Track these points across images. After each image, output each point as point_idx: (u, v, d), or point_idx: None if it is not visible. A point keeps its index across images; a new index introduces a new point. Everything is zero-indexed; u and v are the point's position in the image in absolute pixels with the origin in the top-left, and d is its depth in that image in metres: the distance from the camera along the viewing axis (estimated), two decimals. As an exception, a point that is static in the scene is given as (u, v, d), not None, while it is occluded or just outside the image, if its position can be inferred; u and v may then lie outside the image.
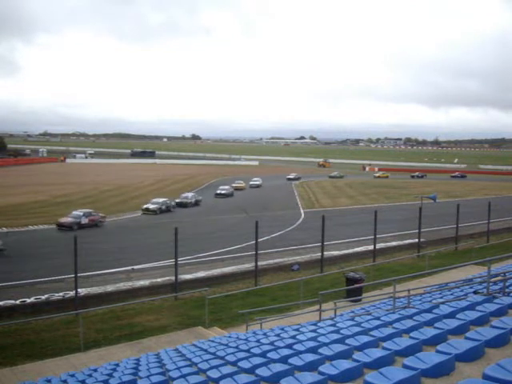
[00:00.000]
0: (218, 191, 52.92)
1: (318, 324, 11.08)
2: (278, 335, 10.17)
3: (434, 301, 11.08)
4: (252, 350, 8.53)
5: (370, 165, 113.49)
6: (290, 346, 8.13)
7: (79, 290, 17.45)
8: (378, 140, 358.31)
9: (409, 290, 11.84)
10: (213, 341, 11.77)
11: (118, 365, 10.54)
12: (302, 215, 40.04)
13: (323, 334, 8.67)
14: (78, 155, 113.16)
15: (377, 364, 5.86)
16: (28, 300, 17.46)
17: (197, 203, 45.33)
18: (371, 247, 25.13)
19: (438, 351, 5.89)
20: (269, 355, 7.63)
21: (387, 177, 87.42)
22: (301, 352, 7.34)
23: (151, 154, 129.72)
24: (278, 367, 6.51)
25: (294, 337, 9.29)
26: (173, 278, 19.39)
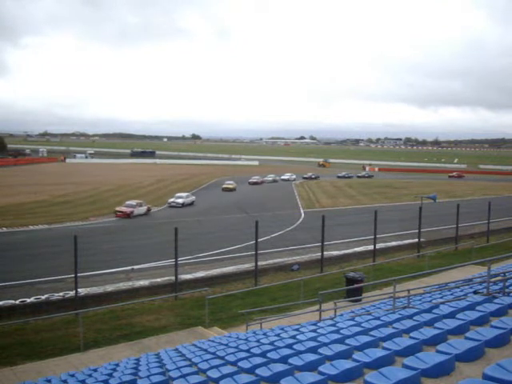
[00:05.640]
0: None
1: (318, 324, 11.07)
2: (278, 335, 10.16)
3: (433, 301, 11.08)
4: (252, 350, 8.52)
5: (370, 165, 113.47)
6: (290, 346, 8.13)
7: (79, 289, 17.45)
8: (378, 140, 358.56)
9: (409, 290, 11.83)
10: (213, 341, 11.77)
11: (118, 365, 10.54)
12: (302, 215, 40.03)
13: (323, 334, 8.66)
14: (78, 155, 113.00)
15: (377, 364, 5.86)
16: (28, 300, 17.44)
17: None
18: (371, 247, 25.12)
19: (438, 351, 5.89)
20: (269, 355, 7.63)
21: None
22: (301, 352, 7.34)
23: (151, 154, 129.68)
24: (278, 367, 6.50)
25: (294, 337, 9.29)
26: (173, 277, 19.39)
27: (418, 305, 10.59)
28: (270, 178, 71.56)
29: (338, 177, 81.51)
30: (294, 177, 75.69)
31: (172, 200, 44.18)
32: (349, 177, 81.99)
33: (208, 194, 54.47)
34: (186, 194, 46.15)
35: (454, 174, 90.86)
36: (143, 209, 38.12)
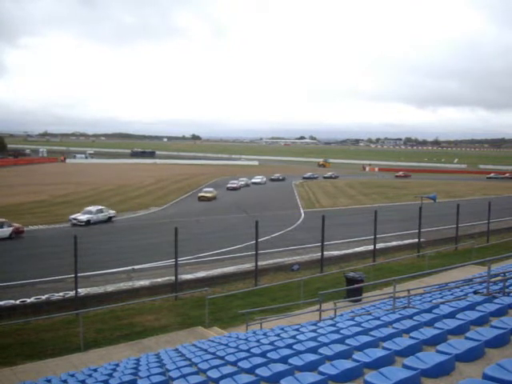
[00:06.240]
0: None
1: (318, 324, 11.08)
2: (278, 335, 10.17)
3: (434, 301, 11.08)
4: (252, 350, 8.53)
5: (370, 165, 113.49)
6: (290, 346, 8.13)
7: (79, 289, 17.46)
8: (377, 140, 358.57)
9: (409, 290, 11.83)
10: (213, 341, 11.77)
11: (117, 365, 10.55)
12: (302, 215, 40.04)
13: (323, 334, 8.67)
14: (77, 155, 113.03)
15: (377, 364, 5.86)
16: (28, 300, 17.46)
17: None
18: (371, 247, 25.13)
19: (438, 351, 5.89)
20: (269, 355, 7.63)
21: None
22: (301, 352, 7.34)
23: (151, 154, 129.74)
24: (278, 367, 6.51)
25: (294, 337, 9.29)
26: (173, 277, 19.39)
27: (418, 305, 10.59)
28: (242, 181, 63.82)
29: (304, 178, 77.95)
30: (265, 179, 71.16)
31: (73, 216, 33.34)
32: (314, 177, 78.70)
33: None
34: (99, 207, 35.06)
35: (401, 173, 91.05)
36: (5, 231, 28.31)
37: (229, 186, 59.38)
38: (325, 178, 79.87)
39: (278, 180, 73.92)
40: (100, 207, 35.07)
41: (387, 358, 6.14)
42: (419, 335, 6.79)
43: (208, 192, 49.43)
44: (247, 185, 64.61)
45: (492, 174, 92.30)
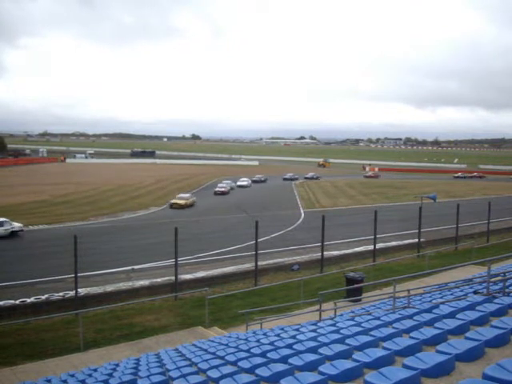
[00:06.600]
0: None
1: (318, 324, 11.08)
2: (278, 335, 10.17)
3: (433, 301, 11.08)
4: (252, 350, 8.53)
5: (370, 165, 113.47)
6: (290, 346, 8.13)
7: (79, 289, 17.46)
8: (377, 140, 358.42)
9: (409, 290, 11.83)
10: (213, 341, 11.77)
11: (117, 365, 10.55)
12: (302, 215, 40.03)
13: (323, 334, 8.67)
14: (77, 155, 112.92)
15: (377, 364, 5.86)
16: (28, 300, 17.46)
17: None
18: (371, 247, 25.13)
19: (438, 351, 5.89)
20: (269, 355, 7.63)
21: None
22: (301, 352, 7.34)
23: (151, 154, 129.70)
24: (278, 367, 6.51)
25: (294, 337, 9.29)
26: (173, 277, 19.39)
27: (418, 305, 10.59)
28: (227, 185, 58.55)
29: (284, 179, 76.04)
30: (250, 181, 66.51)
31: None
32: (294, 178, 76.52)
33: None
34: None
35: (370, 173, 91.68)
36: None
37: (217, 190, 54.10)
38: (306, 178, 78.18)
39: (260, 181, 70.70)
40: (1, 219, 29.02)
41: (387, 358, 6.14)
42: (419, 335, 6.79)
43: (181, 198, 42.88)
44: (232, 188, 58.18)
45: (459, 174, 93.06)
